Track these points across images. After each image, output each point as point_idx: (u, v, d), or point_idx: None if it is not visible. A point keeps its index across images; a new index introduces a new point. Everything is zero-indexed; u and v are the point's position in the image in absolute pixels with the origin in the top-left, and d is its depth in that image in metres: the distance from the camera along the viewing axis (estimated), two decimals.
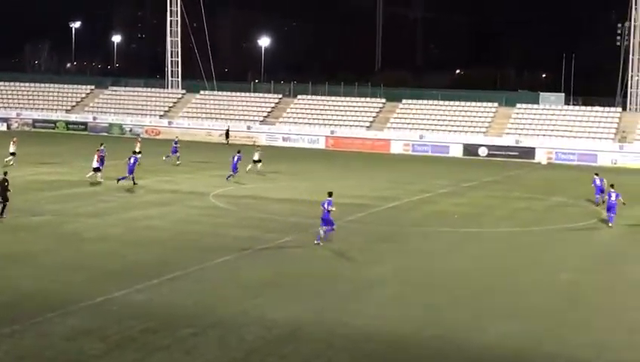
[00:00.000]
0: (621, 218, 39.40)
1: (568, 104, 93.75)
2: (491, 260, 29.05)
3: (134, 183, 44.97)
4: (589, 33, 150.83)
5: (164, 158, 57.56)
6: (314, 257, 28.36)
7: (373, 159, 71.69)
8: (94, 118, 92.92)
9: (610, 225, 36.79)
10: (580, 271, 27.60)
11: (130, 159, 45.64)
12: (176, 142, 59.31)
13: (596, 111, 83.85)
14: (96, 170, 45.65)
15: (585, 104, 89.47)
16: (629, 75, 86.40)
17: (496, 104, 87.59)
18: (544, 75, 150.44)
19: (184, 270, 25.12)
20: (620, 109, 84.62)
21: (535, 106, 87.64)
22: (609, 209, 37.18)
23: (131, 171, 45.02)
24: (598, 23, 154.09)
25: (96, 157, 46.09)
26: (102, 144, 50.83)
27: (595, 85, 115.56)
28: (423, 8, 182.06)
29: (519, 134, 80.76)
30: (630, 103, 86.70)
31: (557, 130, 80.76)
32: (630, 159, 74.54)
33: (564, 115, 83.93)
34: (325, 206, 29.93)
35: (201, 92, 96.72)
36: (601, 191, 43.11)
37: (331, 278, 25.07)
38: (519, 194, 49.44)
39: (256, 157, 53.28)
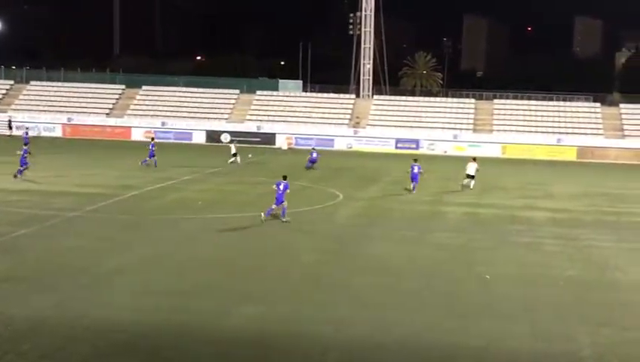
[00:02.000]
0: (355, 199, 41.57)
1: (306, 91, 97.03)
2: (237, 246, 29.32)
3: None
4: (323, 22, 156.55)
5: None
6: (52, 250, 27.12)
7: (114, 147, 69.91)
8: None
9: (413, 192, 43.93)
10: (322, 251, 28.57)
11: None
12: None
13: (332, 98, 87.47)
14: None
15: (321, 91, 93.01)
16: (361, 63, 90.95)
17: (237, 91, 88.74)
18: (282, 63, 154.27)
19: None
20: (353, 96, 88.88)
21: (275, 93, 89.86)
22: (412, 179, 44.45)
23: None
24: (332, 13, 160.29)
25: None
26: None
27: (331, 72, 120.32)
28: None
29: (260, 120, 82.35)
30: (362, 90, 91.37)
31: (296, 116, 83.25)
32: (363, 143, 78.64)
33: (303, 102, 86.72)
34: (281, 187, 33.25)
35: None
36: (313, 162, 55.95)
37: (72, 270, 24.10)
38: (262, 179, 50.28)
39: (233, 150, 58.11)
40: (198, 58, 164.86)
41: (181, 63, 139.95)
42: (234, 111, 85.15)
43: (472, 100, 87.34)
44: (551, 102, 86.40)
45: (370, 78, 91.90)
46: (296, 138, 79.27)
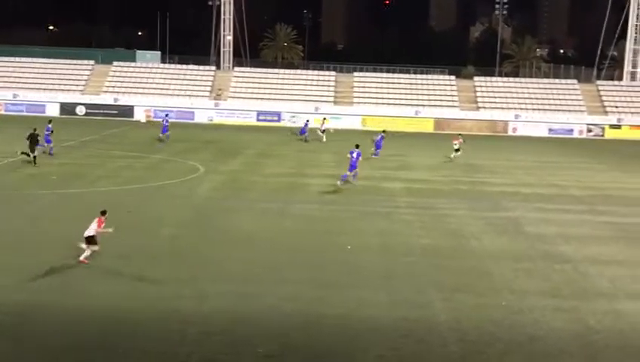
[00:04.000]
0: (217, 173, 41.32)
1: (165, 62, 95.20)
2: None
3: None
4: None
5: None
6: None
7: None
8: None
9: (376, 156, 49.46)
10: (183, 225, 28.23)
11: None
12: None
13: (192, 70, 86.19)
14: None
15: (181, 62, 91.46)
16: (221, 35, 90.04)
17: (92, 62, 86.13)
18: (140, 33, 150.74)
19: None
20: (214, 68, 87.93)
21: (132, 64, 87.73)
22: (377, 147, 50.44)
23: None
24: None
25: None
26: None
27: (191, 44, 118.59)
28: None
29: (117, 92, 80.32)
30: (223, 62, 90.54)
31: (155, 88, 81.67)
32: (225, 116, 78.03)
33: (162, 73, 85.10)
34: (354, 155, 37.50)
35: None
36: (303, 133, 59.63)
37: None
38: (119, 152, 49.22)
39: (324, 127, 61.63)
40: (51, 28, 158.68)
41: (33, 33, 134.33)
42: (89, 83, 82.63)
43: (333, 73, 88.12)
44: (409, 75, 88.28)
45: (231, 49, 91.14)
46: (155, 110, 77.75)
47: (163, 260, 23.16)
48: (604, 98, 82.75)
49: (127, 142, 56.06)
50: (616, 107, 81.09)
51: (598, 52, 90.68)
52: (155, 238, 25.94)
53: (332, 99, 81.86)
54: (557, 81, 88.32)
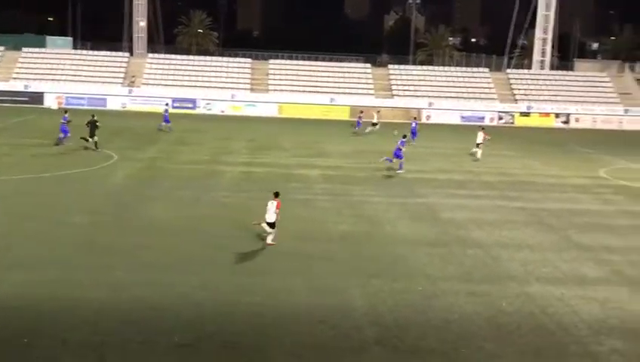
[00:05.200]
0: (132, 160, 40.69)
1: (77, 48, 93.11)
2: (5, 210, 27.79)
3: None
4: None
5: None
6: None
7: None
8: None
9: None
10: (96, 213, 27.73)
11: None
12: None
13: (104, 56, 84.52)
14: None
15: (93, 48, 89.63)
16: (135, 21, 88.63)
17: (1, 48, 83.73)
18: (51, 19, 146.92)
19: None
20: (127, 54, 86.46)
21: (43, 50, 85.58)
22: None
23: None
24: None
25: None
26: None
27: (103, 29, 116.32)
28: None
29: (28, 79, 78.27)
30: (136, 48, 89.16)
31: (66, 74, 79.88)
32: (139, 103, 76.84)
33: (73, 59, 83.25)
34: (399, 144, 40.54)
35: None
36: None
37: None
38: (30, 140, 47.97)
39: (375, 119, 61.64)
40: None
41: None
42: None
43: (249, 60, 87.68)
44: (324, 63, 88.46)
45: (145, 35, 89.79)
46: (67, 97, 76.05)
47: (75, 248, 22.71)
48: (514, 86, 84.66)
49: (38, 129, 54.67)
50: (526, 95, 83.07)
51: (509, 41, 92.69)
52: (68, 227, 25.41)
53: (248, 86, 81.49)
54: (469, 69, 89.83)
